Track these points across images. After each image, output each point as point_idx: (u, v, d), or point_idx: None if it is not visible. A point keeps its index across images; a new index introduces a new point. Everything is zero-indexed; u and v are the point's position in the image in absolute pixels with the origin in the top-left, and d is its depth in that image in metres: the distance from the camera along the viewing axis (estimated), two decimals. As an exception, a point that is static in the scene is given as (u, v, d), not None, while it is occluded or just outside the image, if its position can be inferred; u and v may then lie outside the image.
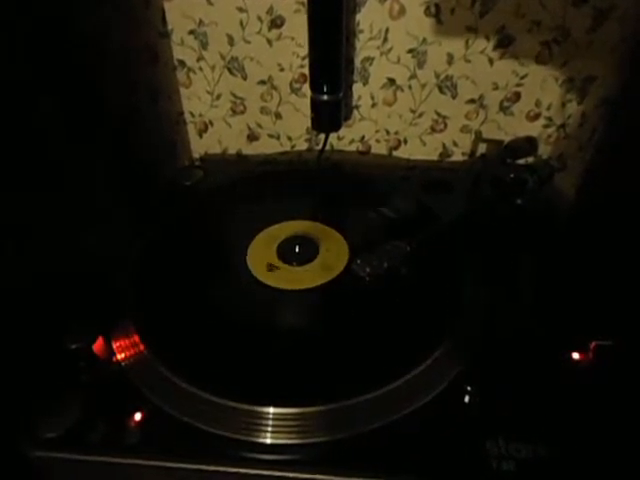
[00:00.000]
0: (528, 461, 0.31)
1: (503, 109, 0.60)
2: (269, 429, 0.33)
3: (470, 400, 0.34)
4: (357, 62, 0.58)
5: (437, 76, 0.58)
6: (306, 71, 0.58)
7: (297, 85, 0.60)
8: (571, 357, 0.37)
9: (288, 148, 0.66)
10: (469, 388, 0.34)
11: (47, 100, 0.42)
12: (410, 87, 0.59)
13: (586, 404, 0.34)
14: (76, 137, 0.46)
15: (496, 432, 0.32)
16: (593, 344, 0.37)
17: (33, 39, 0.40)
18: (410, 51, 0.57)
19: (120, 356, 0.38)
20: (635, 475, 0.31)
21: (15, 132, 0.38)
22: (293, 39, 0.57)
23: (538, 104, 0.59)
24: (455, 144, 0.63)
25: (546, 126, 0.61)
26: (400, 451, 0.32)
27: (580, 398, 0.35)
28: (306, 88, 0.60)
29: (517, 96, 0.59)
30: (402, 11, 0.54)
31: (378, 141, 0.64)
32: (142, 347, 0.38)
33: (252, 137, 0.66)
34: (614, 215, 0.52)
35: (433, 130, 0.62)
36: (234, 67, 0.60)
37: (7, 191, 0.38)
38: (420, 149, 0.64)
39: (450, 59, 0.57)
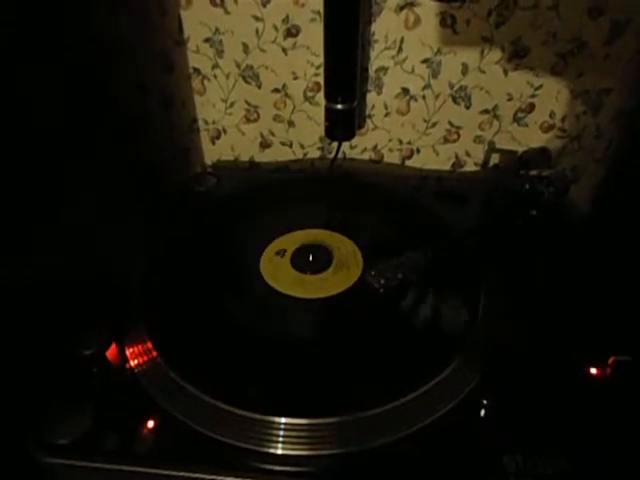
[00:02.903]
0: (546, 478, 0.30)
1: (517, 120, 0.60)
2: (280, 439, 0.33)
3: (486, 414, 0.34)
4: (371, 71, 0.58)
5: (451, 86, 0.58)
6: (320, 80, 0.59)
7: (311, 94, 0.61)
8: (589, 372, 0.36)
9: (300, 156, 0.66)
10: (485, 402, 0.34)
11: (55, 100, 0.42)
12: (424, 97, 0.59)
13: (604, 420, 0.34)
14: (89, 141, 0.46)
15: (513, 447, 0.32)
16: (611, 359, 0.36)
17: (46, 40, 0.40)
18: (425, 61, 0.57)
19: (133, 363, 0.38)
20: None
21: (29, 135, 0.39)
22: (308, 48, 0.57)
23: (552, 115, 0.59)
24: (468, 154, 0.63)
25: (560, 137, 0.60)
26: (414, 466, 0.32)
27: (597, 414, 0.34)
28: (320, 97, 0.60)
29: (531, 107, 0.58)
30: (417, 21, 0.54)
31: (391, 150, 0.64)
32: (155, 354, 0.38)
33: (265, 145, 0.66)
34: (630, 228, 0.52)
35: (446, 140, 0.62)
36: (249, 75, 0.60)
37: (20, 195, 0.38)
38: (433, 159, 0.64)
39: (465, 69, 0.57)
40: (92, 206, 0.47)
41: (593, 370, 0.36)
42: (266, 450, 0.33)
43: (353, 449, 0.32)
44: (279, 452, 0.33)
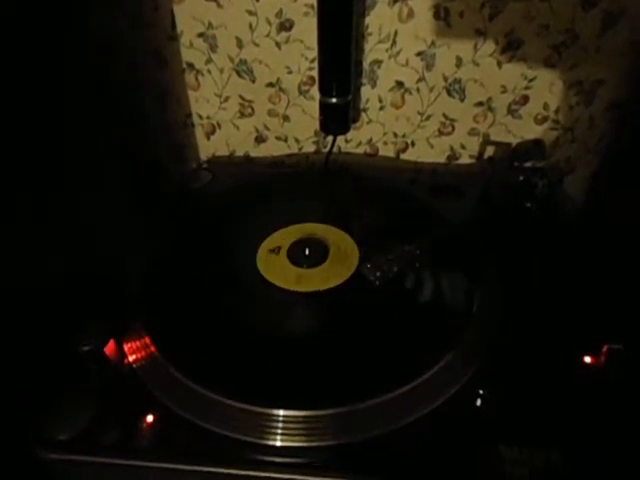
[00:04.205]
0: (542, 466, 0.31)
1: (511, 112, 0.60)
2: (279, 431, 0.33)
3: (482, 404, 0.34)
4: (366, 65, 0.58)
5: (445, 79, 0.58)
6: (314, 74, 0.58)
7: (305, 88, 0.61)
8: (583, 361, 0.37)
9: (296, 150, 0.66)
10: (481, 392, 0.34)
11: (54, 100, 0.42)
12: (418, 90, 0.59)
13: (598, 408, 0.34)
14: (83, 138, 0.46)
15: (509, 436, 0.32)
16: (605, 347, 0.37)
17: (40, 39, 0.40)
18: (419, 54, 0.57)
19: (131, 358, 0.38)
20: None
21: (22, 133, 0.39)
22: (302, 42, 0.57)
23: (546, 107, 0.59)
24: (463, 147, 0.63)
25: (554, 129, 0.61)
26: (411, 455, 0.32)
27: (592, 402, 0.34)
28: (314, 91, 0.60)
29: (525, 99, 0.59)
30: (411, 14, 0.54)
31: (386, 144, 0.64)
32: (153, 349, 0.38)
33: (260, 139, 0.66)
34: (623, 217, 0.52)
35: (441, 133, 0.63)
36: (242, 70, 0.60)
37: (18, 192, 0.38)
38: (428, 152, 0.64)
39: (459, 62, 0.57)
40: (88, 203, 0.46)
41: (587, 359, 0.37)
42: (265, 442, 0.33)
43: (351, 440, 0.33)
44: (278, 444, 0.33)
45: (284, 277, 0.44)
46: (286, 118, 0.63)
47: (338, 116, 0.58)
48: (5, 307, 0.37)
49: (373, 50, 0.57)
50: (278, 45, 0.58)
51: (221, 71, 0.60)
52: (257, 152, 0.67)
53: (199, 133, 0.66)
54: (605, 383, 0.35)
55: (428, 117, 0.61)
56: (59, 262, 0.42)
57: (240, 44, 0.58)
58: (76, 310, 0.41)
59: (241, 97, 0.62)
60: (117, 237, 0.49)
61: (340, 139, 0.64)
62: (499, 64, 0.56)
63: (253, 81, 0.61)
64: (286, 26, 0.56)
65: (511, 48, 0.55)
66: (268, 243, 0.48)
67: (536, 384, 0.35)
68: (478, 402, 0.34)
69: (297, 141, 0.66)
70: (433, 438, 0.33)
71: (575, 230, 0.51)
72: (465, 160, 0.64)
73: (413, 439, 0.33)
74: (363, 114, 0.62)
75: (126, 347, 0.38)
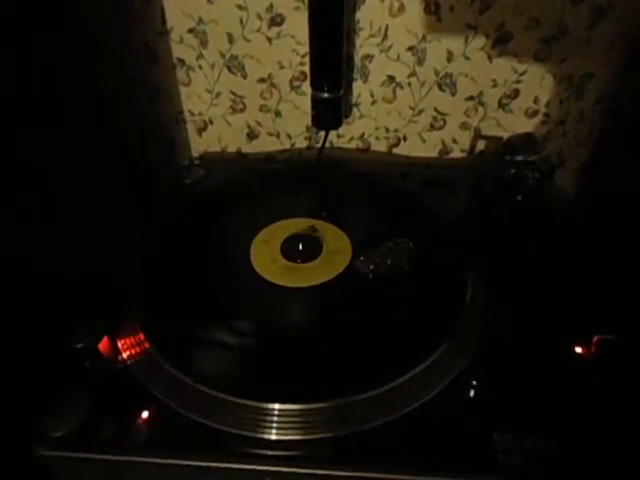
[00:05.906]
0: (535, 454, 0.31)
1: (502, 106, 0.60)
2: (274, 425, 0.34)
3: (475, 394, 0.34)
4: (357, 59, 0.58)
5: (436, 73, 0.58)
6: (306, 69, 0.58)
7: (297, 83, 0.60)
8: (574, 351, 0.37)
9: (288, 146, 0.66)
10: (474, 383, 0.34)
11: (45, 98, 0.42)
12: (410, 84, 0.59)
13: (589, 398, 0.35)
14: (75, 136, 0.46)
15: (502, 426, 0.33)
16: (596, 338, 0.37)
17: (30, 36, 0.39)
18: (410, 48, 0.57)
19: (125, 354, 0.38)
20: (638, 468, 0.31)
21: (13, 131, 0.38)
22: (293, 37, 0.57)
23: (537, 101, 0.59)
24: (454, 141, 0.64)
25: (545, 123, 0.61)
26: (406, 446, 0.33)
27: (583, 392, 0.35)
28: (306, 86, 0.60)
29: (516, 93, 0.59)
30: (402, 8, 0.54)
31: (378, 138, 0.64)
32: (147, 345, 0.38)
33: (252, 135, 0.66)
34: (614, 210, 0.53)
35: (432, 127, 0.63)
36: (234, 65, 0.60)
37: (9, 191, 0.38)
38: (420, 146, 0.64)
39: (449, 56, 0.57)
40: (81, 201, 0.46)
41: (578, 349, 0.37)
42: (260, 436, 0.33)
43: (346, 432, 0.33)
44: (273, 437, 0.33)
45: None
46: (278, 114, 0.63)
47: (330, 111, 0.58)
48: (0, 305, 0.37)
49: (364, 45, 0.57)
50: (269, 40, 0.57)
51: (212, 67, 0.60)
52: (249, 148, 0.67)
53: (191, 129, 0.66)
54: (596, 372, 0.36)
55: (420, 112, 0.61)
56: (53, 260, 0.42)
57: (231, 39, 0.58)
58: (71, 307, 0.41)
59: (232, 93, 0.62)
60: (110, 234, 0.48)
61: (332, 134, 0.64)
62: (490, 58, 0.57)
63: (244, 77, 0.60)
64: (277, 21, 0.56)
65: (501, 42, 0.55)
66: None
67: (528, 374, 0.36)
68: (471, 393, 0.34)
69: (289, 137, 0.65)
70: (427, 429, 0.33)
71: (565, 223, 0.51)
72: (457, 154, 0.65)
73: (407, 431, 0.33)
74: (355, 109, 0.62)
75: (120, 344, 0.38)
